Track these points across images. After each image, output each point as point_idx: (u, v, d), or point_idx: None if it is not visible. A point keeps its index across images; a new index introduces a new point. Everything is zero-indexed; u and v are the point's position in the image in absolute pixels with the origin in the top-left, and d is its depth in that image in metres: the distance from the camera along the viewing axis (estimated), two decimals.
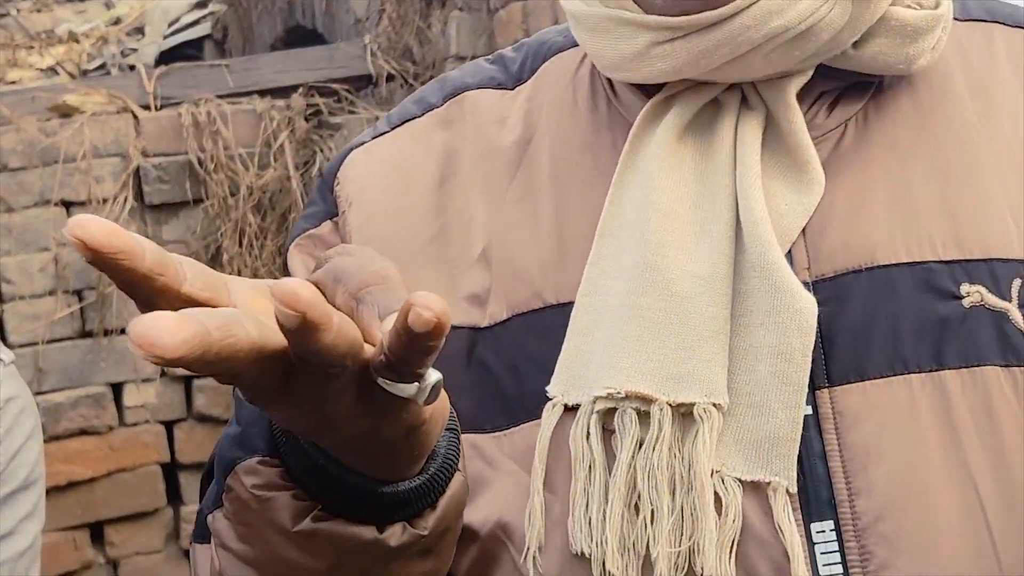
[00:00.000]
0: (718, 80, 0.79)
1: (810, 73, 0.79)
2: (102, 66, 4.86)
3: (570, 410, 0.75)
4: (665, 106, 0.81)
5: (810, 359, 0.73)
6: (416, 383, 0.56)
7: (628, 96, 0.84)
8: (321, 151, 3.43)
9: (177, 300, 0.52)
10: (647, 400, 0.73)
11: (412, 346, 0.53)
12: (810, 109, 0.80)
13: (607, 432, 0.74)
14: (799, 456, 0.73)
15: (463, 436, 0.71)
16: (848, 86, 0.81)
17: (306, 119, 3.50)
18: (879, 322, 0.75)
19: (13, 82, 4.51)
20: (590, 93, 0.86)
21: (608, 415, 0.74)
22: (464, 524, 0.74)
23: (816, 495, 0.73)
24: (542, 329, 0.79)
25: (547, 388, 0.76)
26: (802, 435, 0.73)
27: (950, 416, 0.73)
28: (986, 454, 0.73)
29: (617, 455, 0.74)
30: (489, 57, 0.92)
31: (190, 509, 3.46)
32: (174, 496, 3.51)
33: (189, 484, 3.48)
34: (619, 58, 0.79)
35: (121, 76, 4.20)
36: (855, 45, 0.78)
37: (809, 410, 0.74)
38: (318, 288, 0.58)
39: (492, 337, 0.79)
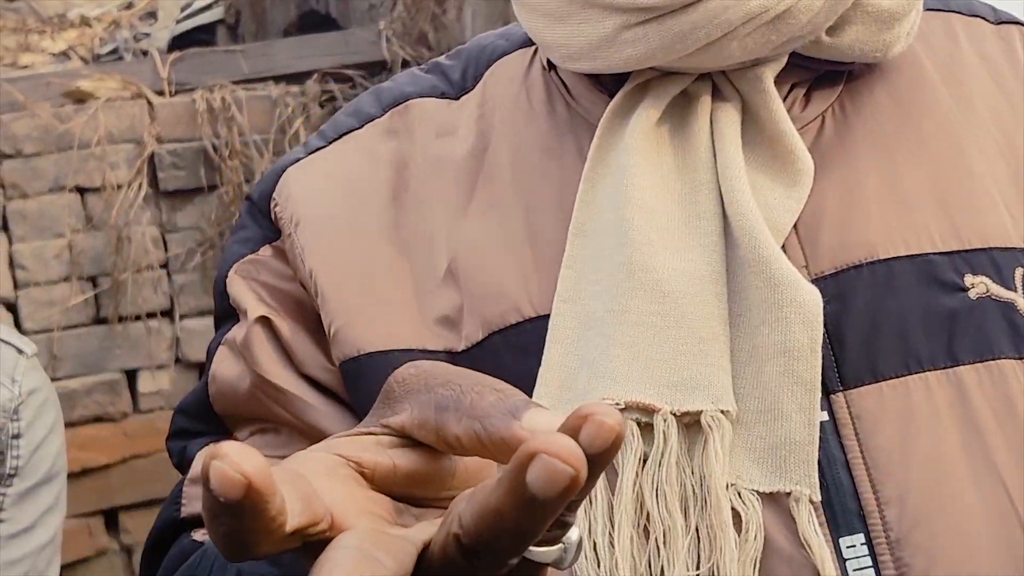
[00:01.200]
0: (688, 69, 0.75)
1: (783, 61, 0.75)
2: (114, 51, 4.84)
3: None
4: (634, 99, 0.76)
5: (820, 355, 0.69)
6: (561, 543, 0.43)
7: (586, 96, 0.79)
8: None
9: (281, 540, 0.41)
10: (649, 410, 0.68)
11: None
12: (785, 100, 0.76)
13: None
14: (820, 467, 0.68)
15: None
16: (818, 76, 0.78)
17: (321, 105, 3.48)
18: (887, 319, 0.71)
19: (25, 66, 4.50)
20: (545, 96, 0.81)
21: None
22: None
23: (843, 507, 0.68)
24: (523, 345, 0.72)
25: None
26: (821, 444, 0.68)
27: (970, 413, 0.70)
28: (1011, 451, 0.70)
29: (619, 472, 0.67)
30: (423, 66, 0.87)
31: None
32: None
33: None
34: (583, 46, 0.74)
35: (135, 61, 4.19)
36: (830, 33, 0.75)
37: (825, 416, 0.69)
38: (423, 428, 0.48)
39: (470, 360, 0.73)
